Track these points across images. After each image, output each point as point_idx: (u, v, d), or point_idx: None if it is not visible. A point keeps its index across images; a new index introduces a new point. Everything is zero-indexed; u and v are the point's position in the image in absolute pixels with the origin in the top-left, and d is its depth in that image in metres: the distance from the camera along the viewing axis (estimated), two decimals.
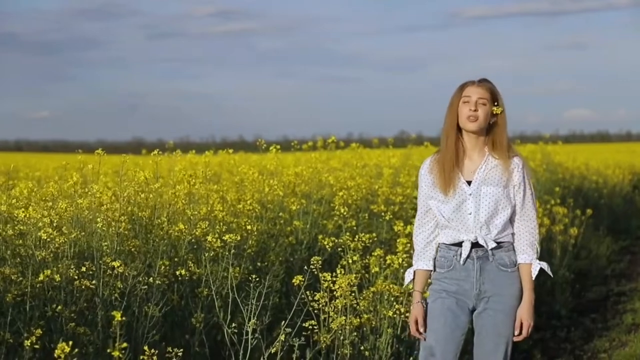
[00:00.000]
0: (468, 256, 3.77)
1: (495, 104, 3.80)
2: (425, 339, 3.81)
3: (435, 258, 3.87)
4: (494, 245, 3.76)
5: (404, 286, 3.98)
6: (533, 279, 3.80)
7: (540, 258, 7.89)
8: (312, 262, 4.65)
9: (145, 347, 3.38)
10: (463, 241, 3.77)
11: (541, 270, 3.82)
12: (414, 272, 3.90)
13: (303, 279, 4.57)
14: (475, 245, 3.77)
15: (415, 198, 7.02)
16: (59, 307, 4.34)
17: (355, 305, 4.81)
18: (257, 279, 4.57)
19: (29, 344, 3.72)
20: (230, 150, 6.40)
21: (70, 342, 2.94)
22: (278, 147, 6.31)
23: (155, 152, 5.62)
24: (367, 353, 4.82)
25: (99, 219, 4.79)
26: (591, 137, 63.64)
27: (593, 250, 10.51)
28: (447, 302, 3.79)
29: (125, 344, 2.91)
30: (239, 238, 4.82)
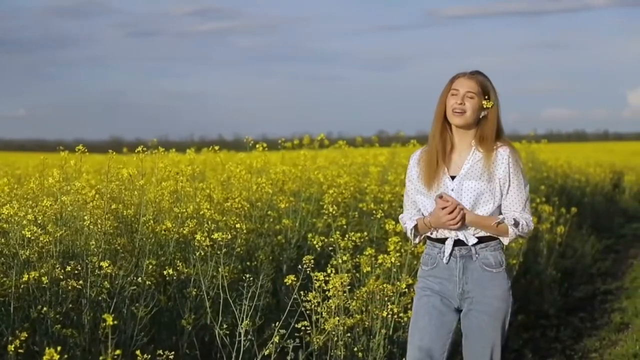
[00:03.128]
0: (451, 254, 3.67)
1: (486, 97, 3.70)
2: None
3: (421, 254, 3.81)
4: (475, 240, 3.65)
5: (412, 242, 3.80)
6: (493, 225, 3.61)
7: (525, 257, 7.80)
8: (304, 262, 4.54)
9: (138, 352, 3.26)
10: (447, 238, 3.69)
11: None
12: (414, 226, 3.74)
13: (296, 279, 4.45)
14: (458, 242, 3.67)
15: (403, 196, 6.93)
16: (44, 309, 4.20)
17: (347, 306, 4.71)
18: (251, 279, 4.45)
19: (12, 349, 3.58)
20: (217, 147, 6.28)
21: (59, 348, 2.81)
22: (265, 145, 6.22)
23: (140, 148, 5.49)
24: (360, 354, 4.72)
25: (85, 217, 4.65)
26: (568, 136, 64.03)
27: (578, 249, 10.48)
28: (432, 299, 3.71)
29: (118, 351, 2.78)
30: (229, 237, 4.71)
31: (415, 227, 3.75)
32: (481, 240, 3.68)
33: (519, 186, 3.70)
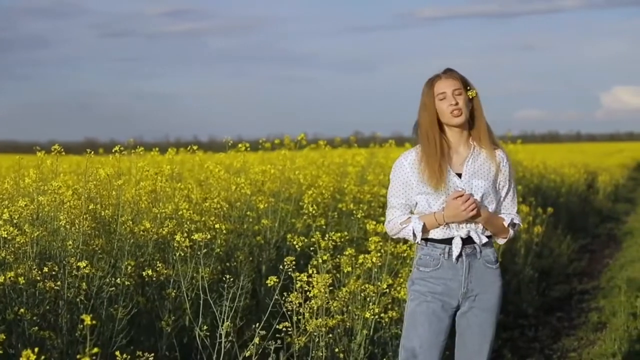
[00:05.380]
0: (460, 254, 3.64)
1: (468, 88, 3.69)
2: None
3: (418, 257, 3.73)
4: (485, 240, 3.67)
5: (415, 241, 3.71)
6: (505, 225, 3.69)
7: (503, 257, 7.84)
8: (285, 262, 4.50)
9: (117, 353, 3.21)
10: (453, 237, 3.65)
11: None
12: (422, 225, 3.64)
13: (277, 280, 4.41)
14: (464, 241, 3.65)
15: (382, 196, 6.91)
16: (21, 310, 4.13)
17: (328, 306, 4.68)
18: (232, 280, 4.41)
19: None
20: (195, 147, 6.22)
21: (36, 349, 2.75)
22: (248, 144, 6.17)
23: (117, 148, 5.42)
24: (341, 355, 4.69)
25: (61, 217, 4.59)
26: (542, 138, 64.58)
27: (555, 249, 10.52)
28: (432, 306, 3.66)
29: (96, 349, 2.73)
30: (209, 237, 4.66)
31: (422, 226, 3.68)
32: (488, 237, 3.70)
33: (513, 189, 3.78)
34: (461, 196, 3.58)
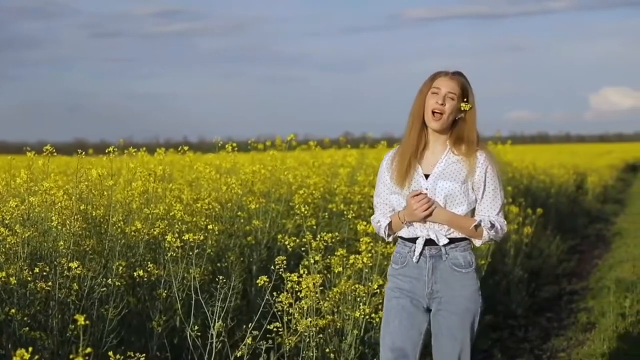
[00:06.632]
0: (421, 253, 3.65)
1: (465, 100, 3.68)
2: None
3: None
4: (446, 241, 3.64)
5: (386, 240, 3.77)
6: (471, 227, 3.61)
7: (493, 258, 7.85)
8: (276, 262, 4.52)
9: (110, 353, 3.21)
10: (418, 237, 3.67)
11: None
12: (389, 223, 3.71)
13: (268, 280, 4.43)
14: (429, 242, 3.66)
15: (372, 197, 6.92)
16: (12, 311, 4.13)
17: (319, 307, 4.69)
18: (224, 280, 4.42)
19: None
20: (186, 147, 6.23)
21: (30, 349, 2.75)
22: (235, 144, 6.18)
23: (111, 148, 5.42)
24: (332, 355, 4.70)
25: (53, 217, 4.59)
26: (532, 139, 64.78)
27: (544, 250, 10.56)
28: (402, 301, 3.69)
29: (89, 349, 2.74)
30: (202, 238, 4.67)
31: (389, 225, 3.73)
32: (451, 240, 3.66)
33: (494, 191, 3.69)
34: (418, 194, 3.60)
